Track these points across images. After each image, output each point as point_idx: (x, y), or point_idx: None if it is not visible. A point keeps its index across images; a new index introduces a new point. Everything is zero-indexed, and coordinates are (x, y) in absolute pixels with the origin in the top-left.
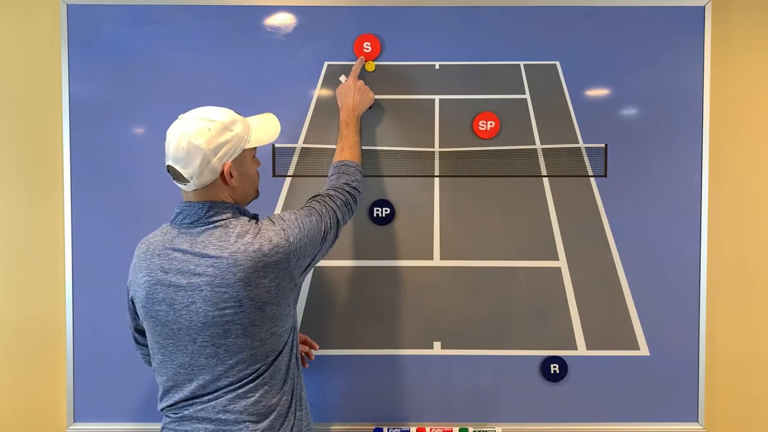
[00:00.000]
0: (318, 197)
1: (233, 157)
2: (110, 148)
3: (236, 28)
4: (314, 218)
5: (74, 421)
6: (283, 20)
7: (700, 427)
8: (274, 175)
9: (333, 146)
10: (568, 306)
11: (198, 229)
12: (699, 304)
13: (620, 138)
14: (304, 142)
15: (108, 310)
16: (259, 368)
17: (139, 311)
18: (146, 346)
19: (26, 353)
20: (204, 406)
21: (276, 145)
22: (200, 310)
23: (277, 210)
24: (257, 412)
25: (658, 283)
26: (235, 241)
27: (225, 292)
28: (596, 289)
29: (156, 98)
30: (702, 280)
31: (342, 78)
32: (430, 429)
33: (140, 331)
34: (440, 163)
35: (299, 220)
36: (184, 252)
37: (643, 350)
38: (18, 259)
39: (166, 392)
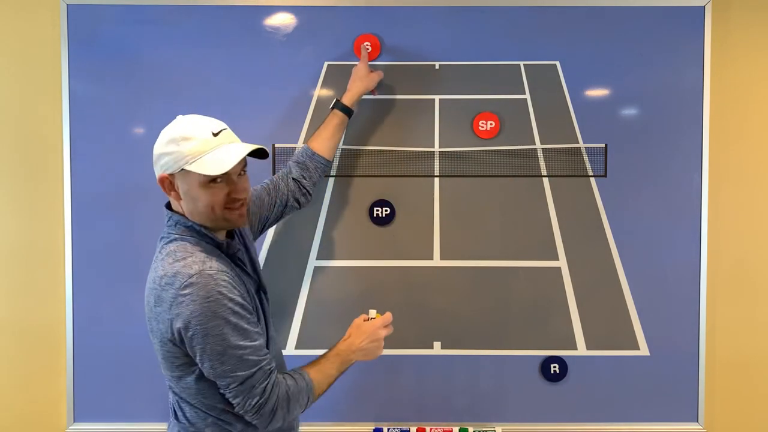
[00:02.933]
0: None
1: (169, 171)
2: (110, 148)
3: (236, 28)
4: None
5: (74, 421)
6: (283, 20)
7: (700, 427)
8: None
9: None
10: (568, 306)
11: (162, 233)
12: (699, 304)
13: (620, 138)
14: (303, 142)
15: (108, 310)
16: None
17: None
18: None
19: (26, 353)
20: None
21: (276, 145)
22: (147, 318)
23: None
24: None
25: (658, 283)
26: (161, 260)
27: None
28: (596, 289)
29: (156, 98)
30: (702, 280)
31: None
32: (430, 429)
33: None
34: (440, 163)
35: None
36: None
37: (643, 350)
38: (18, 259)
39: None
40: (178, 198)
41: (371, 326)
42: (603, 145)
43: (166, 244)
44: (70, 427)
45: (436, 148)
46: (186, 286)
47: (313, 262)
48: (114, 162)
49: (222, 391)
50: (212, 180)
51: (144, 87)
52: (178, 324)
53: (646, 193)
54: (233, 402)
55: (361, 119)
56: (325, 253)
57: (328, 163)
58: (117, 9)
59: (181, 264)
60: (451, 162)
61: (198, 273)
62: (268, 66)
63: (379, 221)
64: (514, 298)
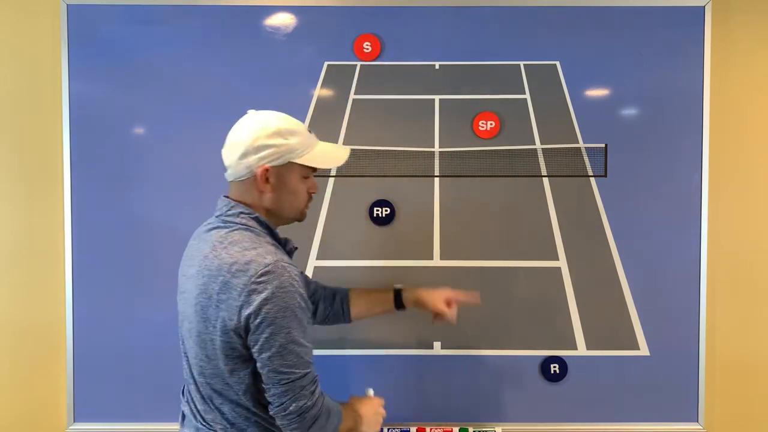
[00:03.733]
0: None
1: (274, 163)
2: (110, 148)
3: (236, 28)
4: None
5: (74, 421)
6: (283, 20)
7: (700, 427)
8: None
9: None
10: (568, 306)
11: (217, 222)
12: (699, 304)
13: (620, 138)
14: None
15: (108, 310)
16: (209, 382)
17: None
18: None
19: (26, 353)
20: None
21: None
22: (188, 300)
23: None
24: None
25: (658, 283)
26: (224, 247)
27: (200, 293)
28: (596, 289)
29: (156, 98)
30: (702, 280)
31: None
32: (430, 429)
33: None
34: (440, 163)
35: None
36: (199, 241)
37: (643, 350)
38: (18, 259)
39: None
40: (269, 190)
41: (372, 404)
42: (603, 145)
43: (228, 232)
44: (70, 427)
45: (436, 148)
46: (262, 275)
47: (312, 262)
48: (114, 162)
49: (268, 386)
50: (306, 176)
51: (144, 87)
52: (247, 311)
53: (646, 193)
54: (277, 401)
55: (362, 119)
56: (324, 253)
57: (346, 320)
58: (117, 9)
59: (254, 252)
60: (451, 162)
61: (273, 263)
62: (268, 66)
63: (379, 221)
64: (514, 298)
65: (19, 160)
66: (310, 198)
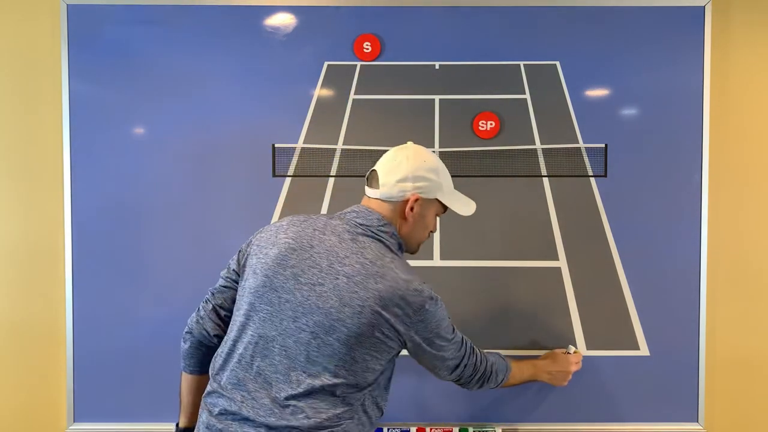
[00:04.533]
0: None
1: (424, 195)
2: (110, 148)
3: (236, 28)
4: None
5: (74, 421)
6: (283, 20)
7: (700, 427)
8: (274, 175)
9: (333, 146)
10: (568, 306)
11: (364, 231)
12: (699, 304)
13: (620, 138)
14: (303, 142)
15: (108, 310)
16: (335, 385)
17: (254, 267)
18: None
19: (26, 353)
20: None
21: (276, 145)
22: (324, 294)
23: (277, 211)
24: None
25: (658, 283)
26: (391, 261)
27: (356, 293)
28: (596, 289)
29: (156, 98)
30: (702, 280)
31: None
32: (430, 429)
33: (217, 309)
34: None
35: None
36: (341, 240)
37: (643, 350)
38: (18, 259)
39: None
40: (411, 218)
41: (567, 360)
42: (603, 145)
43: (385, 248)
44: (70, 427)
45: (436, 148)
46: (431, 299)
47: None
48: (114, 162)
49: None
50: (439, 214)
51: (144, 87)
52: (421, 329)
53: (646, 193)
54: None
55: (362, 119)
56: None
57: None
58: (117, 9)
59: (418, 277)
60: (451, 162)
61: (431, 289)
62: (268, 66)
63: None
64: (514, 298)
65: (19, 160)
66: (428, 236)
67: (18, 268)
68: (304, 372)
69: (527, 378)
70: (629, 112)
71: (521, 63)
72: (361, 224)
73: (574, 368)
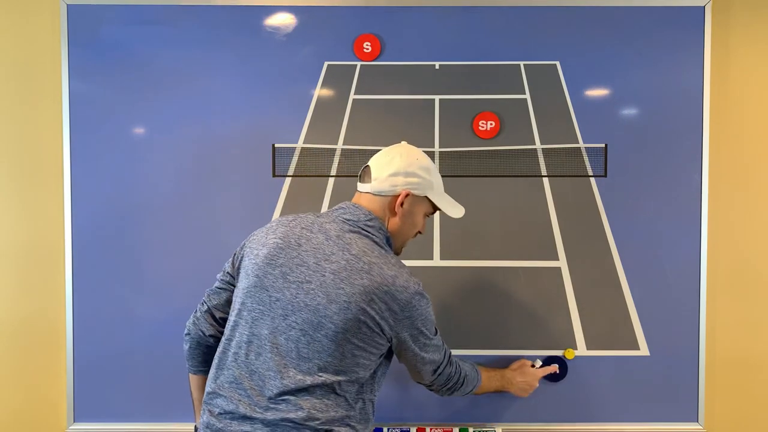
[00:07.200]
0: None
1: (415, 192)
2: (110, 148)
3: (236, 28)
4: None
5: (74, 421)
6: (283, 20)
7: (700, 427)
8: (274, 175)
9: (333, 146)
10: (568, 306)
11: (351, 227)
12: (699, 304)
13: (620, 138)
14: (303, 142)
15: (108, 310)
16: (327, 381)
17: (246, 268)
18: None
19: (26, 353)
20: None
21: (276, 145)
22: (311, 291)
23: (277, 211)
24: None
25: (658, 283)
26: (378, 256)
27: (342, 289)
28: (596, 289)
29: (156, 98)
30: (702, 280)
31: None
32: (430, 429)
33: (212, 311)
34: (440, 163)
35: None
36: (328, 237)
37: (643, 350)
38: (18, 259)
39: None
40: (399, 214)
41: (533, 374)
42: (603, 145)
43: (372, 243)
44: (70, 427)
45: (436, 148)
46: (418, 294)
47: None
48: (114, 162)
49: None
50: (427, 214)
51: (144, 87)
52: (407, 325)
53: (646, 193)
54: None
55: (362, 119)
56: None
57: None
58: (117, 9)
59: (406, 272)
60: (451, 162)
61: (418, 284)
62: (268, 66)
63: None
64: (514, 298)
65: (19, 160)
66: (414, 236)
67: (18, 268)
68: (296, 368)
69: (494, 389)
70: (629, 112)
71: (521, 63)
72: (348, 220)
73: (537, 383)
